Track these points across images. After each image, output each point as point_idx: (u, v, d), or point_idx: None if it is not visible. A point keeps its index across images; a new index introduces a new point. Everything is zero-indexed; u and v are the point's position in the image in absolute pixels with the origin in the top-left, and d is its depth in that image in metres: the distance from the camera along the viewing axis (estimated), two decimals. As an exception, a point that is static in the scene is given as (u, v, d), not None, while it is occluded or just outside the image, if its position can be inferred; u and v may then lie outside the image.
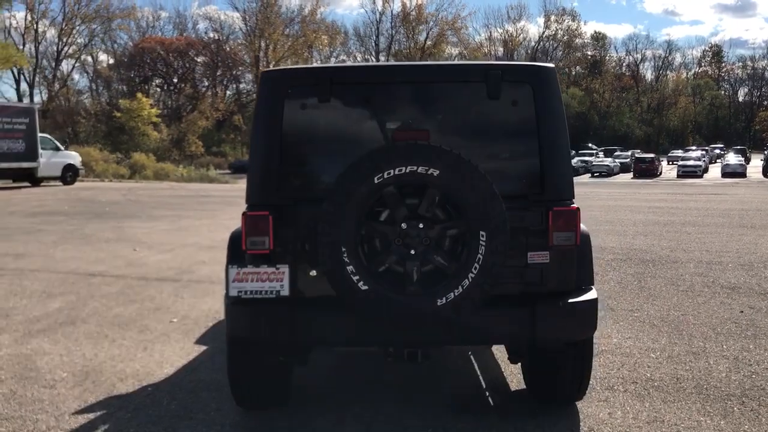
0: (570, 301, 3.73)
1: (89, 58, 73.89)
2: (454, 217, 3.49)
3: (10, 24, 59.84)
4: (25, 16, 61.11)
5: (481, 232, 3.40)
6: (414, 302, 3.43)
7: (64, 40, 63.66)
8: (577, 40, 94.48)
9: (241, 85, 79.26)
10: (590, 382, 4.66)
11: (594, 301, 3.81)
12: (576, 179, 5.49)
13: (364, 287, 3.41)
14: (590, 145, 70.72)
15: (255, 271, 3.65)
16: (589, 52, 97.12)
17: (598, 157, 56.16)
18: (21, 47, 59.31)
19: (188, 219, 15.67)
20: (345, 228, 3.40)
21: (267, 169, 3.75)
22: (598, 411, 4.28)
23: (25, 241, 11.93)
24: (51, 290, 7.96)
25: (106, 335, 6.08)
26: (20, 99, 58.82)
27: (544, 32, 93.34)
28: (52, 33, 64.37)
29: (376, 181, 3.37)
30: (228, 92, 79.54)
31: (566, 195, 3.78)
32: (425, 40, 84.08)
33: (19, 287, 8.13)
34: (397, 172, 3.36)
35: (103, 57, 75.91)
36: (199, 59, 77.38)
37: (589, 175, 49.98)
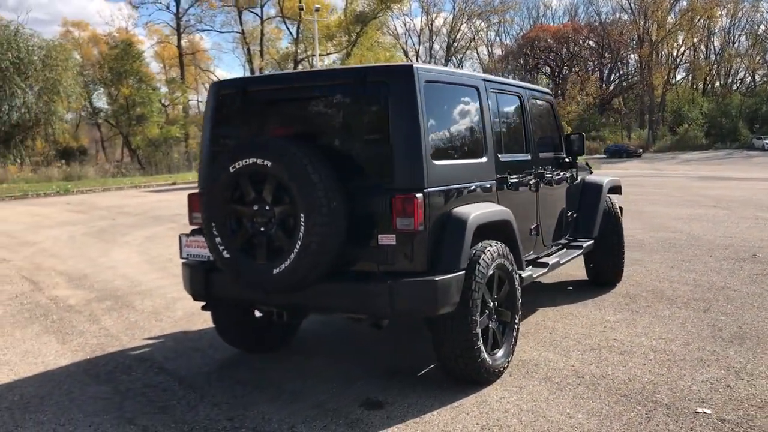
0: (405, 280, 4.05)
1: (484, 50, 79.64)
2: (287, 202, 4.13)
3: (408, 27, 67.71)
4: (420, 17, 68.58)
5: (301, 215, 4.01)
6: (259, 270, 4.20)
7: (454, 36, 69.85)
8: None
9: (626, 68, 77.19)
10: (547, 371, 4.77)
11: (432, 283, 4.03)
12: None
13: (227, 255, 4.29)
14: None
15: (195, 240, 4.78)
16: None
17: None
18: (417, 46, 67.03)
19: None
20: (213, 207, 4.32)
21: (206, 159, 4.81)
22: (494, 393, 4.40)
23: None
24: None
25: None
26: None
27: None
28: (444, 31, 71.17)
29: (231, 170, 4.21)
30: (613, 75, 78.32)
31: (413, 185, 4.09)
32: None
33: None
34: (244, 163, 4.16)
35: (494, 50, 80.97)
36: (586, 44, 77.61)
37: None
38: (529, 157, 5.60)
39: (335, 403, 4.35)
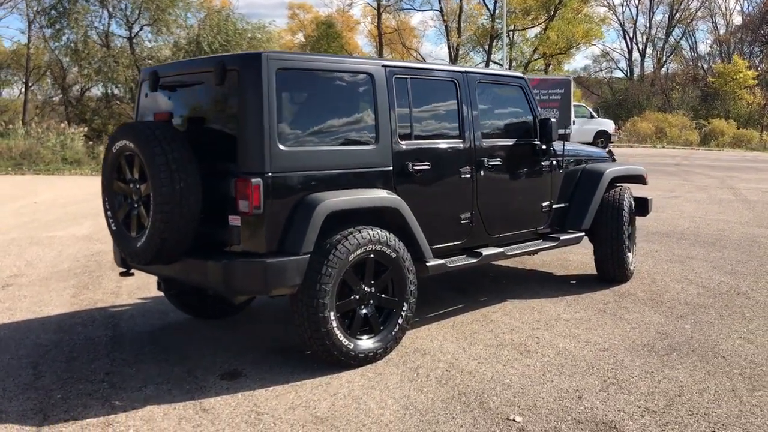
0: (238, 260, 4.27)
1: (721, 19, 72.67)
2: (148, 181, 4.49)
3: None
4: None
5: (151, 194, 4.36)
6: (130, 242, 4.62)
7: (675, 8, 64.59)
8: None
9: None
10: (425, 361, 4.77)
11: (261, 264, 4.20)
12: None
13: (114, 228, 4.77)
14: None
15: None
16: None
17: None
18: (635, 17, 63.29)
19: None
20: (105, 183, 4.81)
21: None
22: (348, 377, 4.45)
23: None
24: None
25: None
26: (631, 70, 62.78)
27: None
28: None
29: (114, 151, 4.67)
30: None
31: (253, 169, 4.26)
32: None
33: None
34: (119, 145, 4.59)
35: (732, 19, 73.58)
36: None
37: None
38: (462, 145, 5.41)
39: (203, 371, 4.68)
